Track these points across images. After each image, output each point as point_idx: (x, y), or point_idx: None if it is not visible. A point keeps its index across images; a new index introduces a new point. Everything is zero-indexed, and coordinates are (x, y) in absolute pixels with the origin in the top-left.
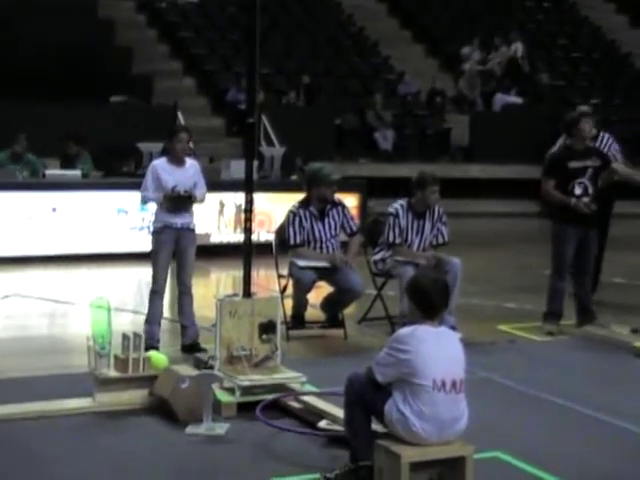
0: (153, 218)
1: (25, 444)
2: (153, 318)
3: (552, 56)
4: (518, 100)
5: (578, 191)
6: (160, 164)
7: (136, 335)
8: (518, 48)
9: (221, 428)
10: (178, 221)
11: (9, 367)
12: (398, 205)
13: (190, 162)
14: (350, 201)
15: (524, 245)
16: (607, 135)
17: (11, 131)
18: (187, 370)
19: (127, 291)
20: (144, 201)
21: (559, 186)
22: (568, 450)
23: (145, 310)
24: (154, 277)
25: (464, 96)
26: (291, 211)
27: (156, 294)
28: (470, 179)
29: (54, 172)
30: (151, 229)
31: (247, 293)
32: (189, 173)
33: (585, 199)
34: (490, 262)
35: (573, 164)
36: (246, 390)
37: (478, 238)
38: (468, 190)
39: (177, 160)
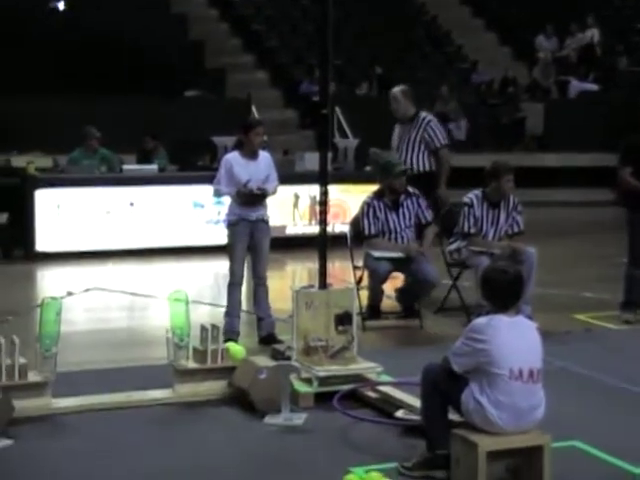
0: (228, 211)
1: (106, 434)
2: (233, 310)
3: (629, 41)
4: (594, 87)
5: None
6: (233, 158)
7: (214, 327)
8: (594, 34)
9: (299, 418)
10: (252, 214)
11: (90, 359)
12: (473, 195)
13: (262, 155)
14: None
15: (600, 234)
16: (424, 114)
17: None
18: (265, 361)
19: (204, 284)
20: (217, 194)
21: (636, 173)
22: None
23: (222, 302)
24: (231, 270)
25: (538, 84)
26: (365, 202)
27: (234, 286)
28: (545, 168)
29: (131, 167)
30: (226, 222)
31: (323, 284)
32: (262, 166)
33: None
34: (566, 251)
35: None
36: (323, 381)
37: (553, 227)
38: (543, 179)
39: (251, 153)
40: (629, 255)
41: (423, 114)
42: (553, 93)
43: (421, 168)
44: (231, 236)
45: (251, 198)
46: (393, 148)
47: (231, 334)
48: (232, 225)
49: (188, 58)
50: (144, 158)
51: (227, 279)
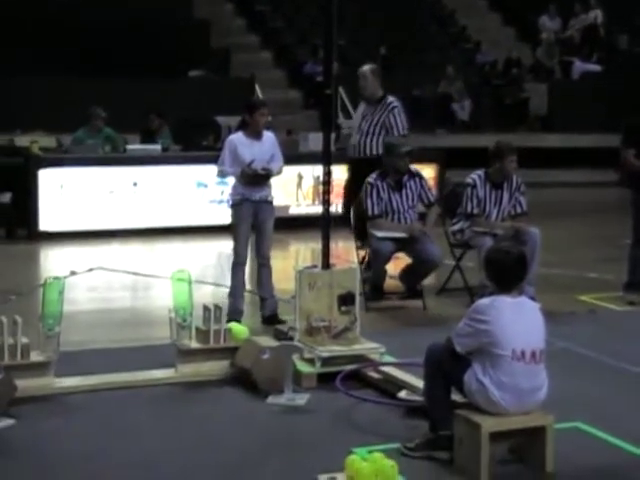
0: (231, 191)
1: (109, 413)
2: (236, 291)
3: (632, 22)
4: (597, 68)
5: None
6: (237, 138)
7: (217, 307)
8: (598, 15)
9: (301, 398)
10: (256, 194)
11: (93, 339)
12: (476, 175)
13: (267, 135)
14: (428, 172)
15: (604, 215)
16: (392, 99)
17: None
18: (268, 341)
19: (207, 263)
20: (221, 175)
21: (639, 155)
22: None
23: (225, 282)
24: (235, 250)
25: (542, 65)
26: (369, 182)
27: (238, 267)
28: (548, 148)
29: (135, 147)
30: (230, 202)
31: (326, 265)
32: (266, 146)
33: None
34: (570, 232)
35: None
36: (326, 361)
37: (557, 208)
38: (547, 159)
39: (255, 134)
40: (633, 236)
41: (390, 98)
42: (557, 74)
43: (374, 152)
44: (235, 216)
45: (255, 178)
46: (353, 126)
47: (235, 314)
48: (236, 205)
49: (193, 38)
50: (148, 138)
51: (230, 259)
